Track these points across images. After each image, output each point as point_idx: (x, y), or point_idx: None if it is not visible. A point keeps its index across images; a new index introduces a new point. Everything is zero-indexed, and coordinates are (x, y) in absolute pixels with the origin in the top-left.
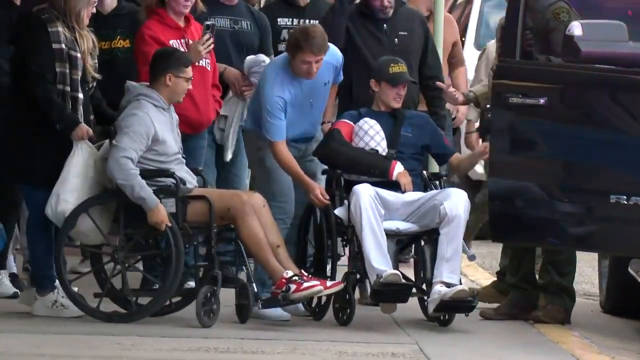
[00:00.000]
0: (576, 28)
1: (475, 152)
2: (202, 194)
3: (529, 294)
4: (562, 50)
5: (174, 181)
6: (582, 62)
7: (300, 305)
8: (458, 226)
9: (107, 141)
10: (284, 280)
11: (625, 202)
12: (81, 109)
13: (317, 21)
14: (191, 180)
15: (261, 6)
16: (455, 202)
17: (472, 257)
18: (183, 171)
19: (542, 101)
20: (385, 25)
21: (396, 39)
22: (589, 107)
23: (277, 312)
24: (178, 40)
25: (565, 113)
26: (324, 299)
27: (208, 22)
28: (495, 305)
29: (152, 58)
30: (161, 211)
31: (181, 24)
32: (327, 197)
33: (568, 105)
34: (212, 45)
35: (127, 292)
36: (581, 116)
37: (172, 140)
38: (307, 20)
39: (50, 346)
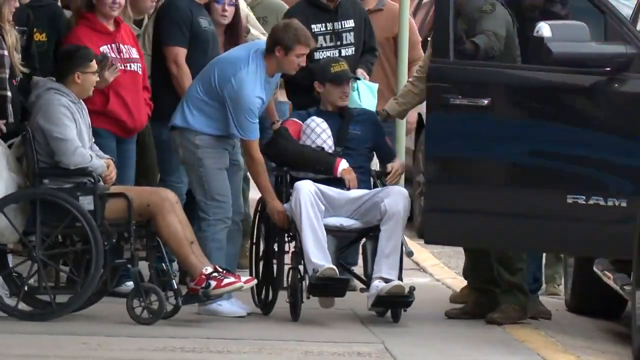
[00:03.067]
0: (545, 29)
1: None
2: (121, 191)
3: (492, 295)
4: (532, 52)
5: (91, 179)
6: (553, 64)
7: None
8: (397, 223)
9: (18, 139)
10: (203, 276)
11: (584, 202)
12: (10, 107)
13: (348, 21)
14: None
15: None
16: (396, 200)
17: (409, 254)
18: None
19: (485, 102)
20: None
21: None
22: (536, 106)
23: (233, 308)
24: (109, 46)
25: (511, 113)
26: (271, 295)
27: (100, 55)
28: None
29: (57, 57)
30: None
31: (111, 28)
32: (286, 222)
33: (513, 105)
34: (117, 73)
35: (44, 291)
36: (529, 116)
37: (85, 132)
38: (340, 23)
39: (17, 346)
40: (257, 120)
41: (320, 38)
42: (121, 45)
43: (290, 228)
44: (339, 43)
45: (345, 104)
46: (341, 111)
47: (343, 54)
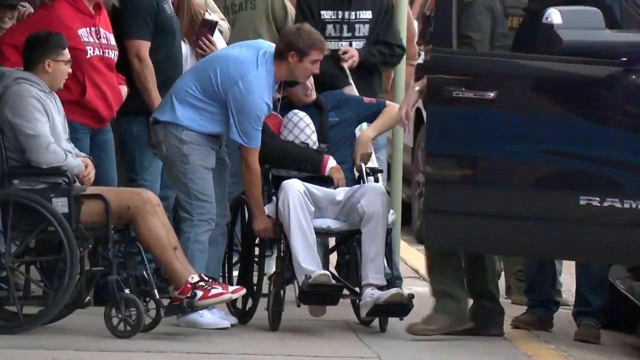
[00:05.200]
0: (555, 15)
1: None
2: (98, 192)
3: (484, 308)
4: (540, 40)
5: (65, 179)
6: (563, 53)
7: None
8: (378, 223)
9: None
10: (189, 285)
11: (599, 204)
12: None
13: (364, 12)
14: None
15: None
16: (372, 199)
17: (388, 275)
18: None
19: (491, 95)
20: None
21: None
22: (546, 100)
23: (215, 319)
24: (87, 29)
25: (519, 107)
26: (249, 304)
27: None
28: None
29: (26, 43)
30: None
31: (92, 10)
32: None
33: (522, 99)
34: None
35: (13, 301)
36: (538, 110)
37: (60, 125)
38: (354, 13)
39: None
40: (261, 128)
41: (330, 27)
42: (100, 29)
43: (275, 232)
44: (350, 34)
45: (313, 99)
46: (316, 103)
47: (354, 46)
